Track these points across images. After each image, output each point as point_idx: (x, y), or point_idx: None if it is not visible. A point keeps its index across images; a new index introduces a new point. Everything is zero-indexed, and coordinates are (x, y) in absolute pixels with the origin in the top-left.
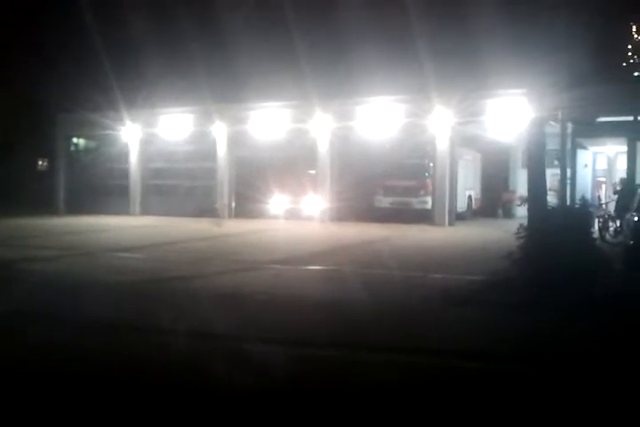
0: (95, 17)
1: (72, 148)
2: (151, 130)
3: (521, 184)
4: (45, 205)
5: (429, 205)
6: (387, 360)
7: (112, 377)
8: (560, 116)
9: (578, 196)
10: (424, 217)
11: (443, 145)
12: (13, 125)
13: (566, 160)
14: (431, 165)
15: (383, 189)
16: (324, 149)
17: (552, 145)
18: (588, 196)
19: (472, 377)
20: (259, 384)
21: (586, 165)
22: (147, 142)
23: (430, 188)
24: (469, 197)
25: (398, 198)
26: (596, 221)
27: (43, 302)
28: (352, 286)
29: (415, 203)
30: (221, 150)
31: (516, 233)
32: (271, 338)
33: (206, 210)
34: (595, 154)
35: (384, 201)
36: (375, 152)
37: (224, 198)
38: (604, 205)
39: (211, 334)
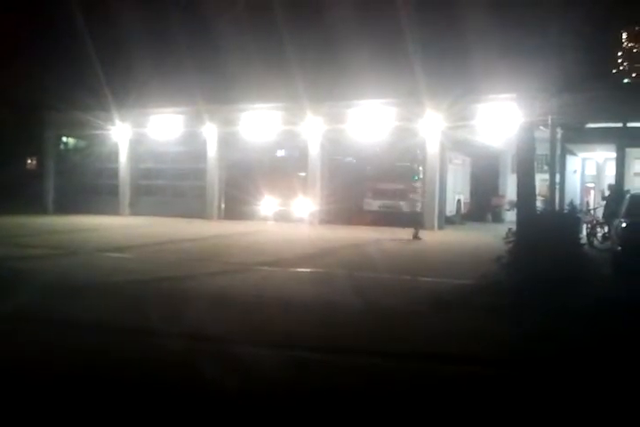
0: (86, 17)
1: (61, 147)
2: (141, 130)
3: (510, 189)
4: (34, 204)
5: (417, 209)
6: (370, 364)
7: (97, 378)
8: (550, 122)
9: (566, 201)
10: (414, 220)
11: (433, 149)
12: (2, 125)
13: (555, 166)
14: (420, 168)
15: (371, 192)
16: (314, 151)
17: (541, 150)
18: (577, 201)
19: (458, 381)
20: (246, 387)
21: (575, 171)
22: (137, 142)
23: (418, 191)
24: (458, 201)
25: (386, 201)
26: (585, 226)
27: (29, 302)
28: (340, 289)
29: (403, 206)
30: (212, 151)
31: (505, 238)
32: (258, 340)
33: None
34: (584, 160)
35: (372, 204)
36: (365, 155)
37: (214, 199)
38: (592, 211)
39: (197, 336)
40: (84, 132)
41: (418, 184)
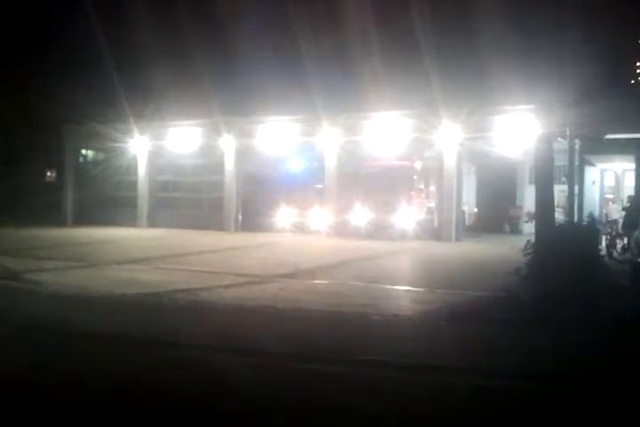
0: (104, 29)
1: (80, 159)
2: (159, 142)
3: (528, 200)
4: (53, 216)
5: (420, 222)
6: (387, 377)
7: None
8: (568, 133)
9: (585, 212)
10: (430, 232)
11: (450, 160)
12: (22, 137)
13: (574, 177)
14: (416, 177)
15: (372, 204)
16: (331, 162)
17: (560, 161)
18: (596, 213)
19: (477, 395)
20: (262, 399)
21: (594, 182)
22: (155, 155)
23: (423, 202)
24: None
25: (385, 215)
26: (604, 237)
27: (45, 313)
28: (356, 301)
29: (396, 219)
30: (229, 164)
31: (524, 249)
32: (275, 352)
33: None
34: (602, 171)
35: (374, 217)
36: (379, 167)
37: (231, 211)
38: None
39: (213, 347)
40: (102, 145)
41: (420, 195)
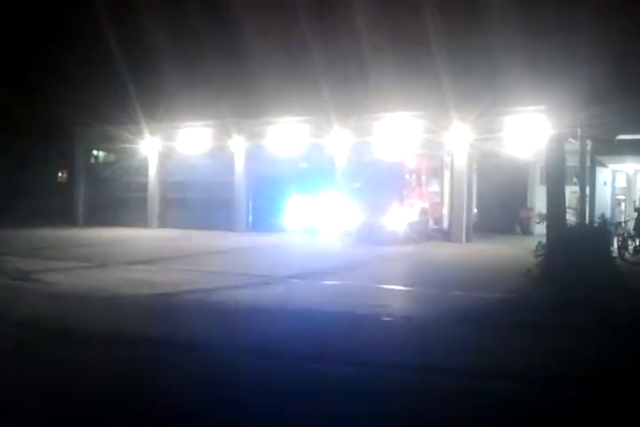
0: (115, 32)
1: (92, 160)
2: (170, 144)
3: (539, 201)
4: (64, 217)
5: (412, 224)
6: (398, 378)
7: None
8: (579, 134)
9: (597, 214)
10: (440, 234)
11: (460, 161)
12: (34, 139)
13: (585, 178)
14: (407, 177)
15: (370, 204)
16: (340, 164)
17: (571, 162)
18: (607, 214)
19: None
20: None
21: (605, 183)
22: (165, 156)
23: (413, 205)
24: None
25: (380, 217)
26: (615, 239)
27: (56, 314)
28: (367, 303)
29: (397, 220)
30: (239, 164)
31: (535, 251)
32: (287, 353)
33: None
34: (614, 172)
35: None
36: (388, 168)
37: (241, 212)
38: (623, 224)
39: (223, 348)
40: (113, 146)
41: (411, 198)
